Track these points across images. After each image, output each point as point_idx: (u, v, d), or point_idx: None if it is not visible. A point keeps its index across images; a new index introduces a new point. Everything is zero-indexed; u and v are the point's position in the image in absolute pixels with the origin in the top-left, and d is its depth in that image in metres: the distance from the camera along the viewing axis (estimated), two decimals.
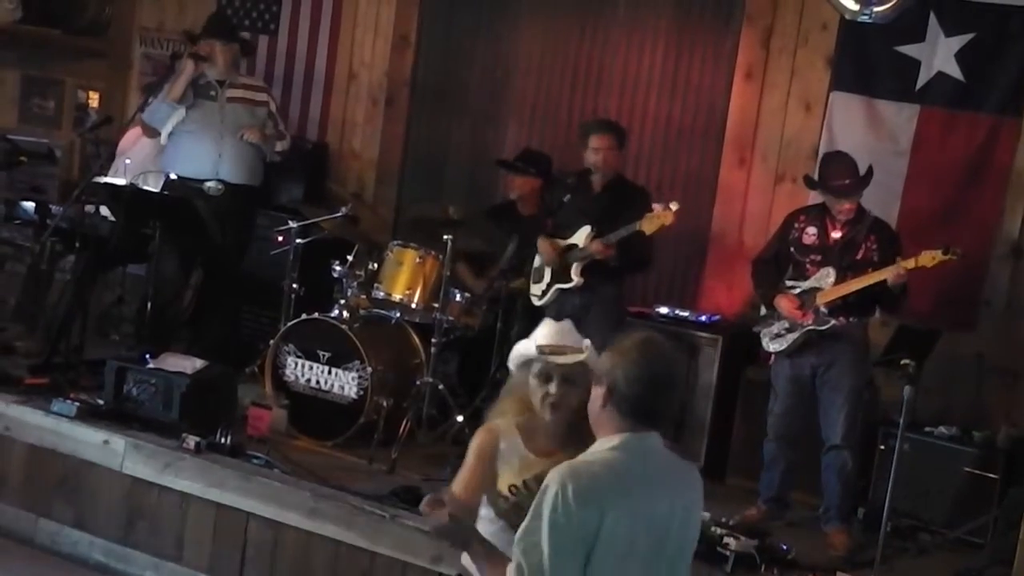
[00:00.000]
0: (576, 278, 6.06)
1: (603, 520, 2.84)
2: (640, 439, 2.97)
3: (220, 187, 6.84)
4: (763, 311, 5.83)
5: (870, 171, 5.65)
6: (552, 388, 3.34)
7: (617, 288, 6.22)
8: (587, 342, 3.39)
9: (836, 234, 5.61)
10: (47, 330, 6.82)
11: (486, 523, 3.36)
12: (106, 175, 6.71)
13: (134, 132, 7.30)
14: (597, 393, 3.02)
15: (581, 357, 3.31)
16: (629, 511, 2.89)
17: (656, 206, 5.77)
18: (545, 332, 3.45)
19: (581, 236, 6.10)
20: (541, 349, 3.37)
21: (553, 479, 2.86)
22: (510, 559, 2.90)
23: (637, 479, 2.94)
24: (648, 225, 5.77)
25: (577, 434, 3.23)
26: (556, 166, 7.06)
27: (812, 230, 5.67)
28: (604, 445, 2.98)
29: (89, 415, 5.87)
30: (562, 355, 3.34)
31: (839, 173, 5.61)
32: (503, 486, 3.38)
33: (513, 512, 3.27)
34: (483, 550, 3.09)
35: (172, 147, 7.07)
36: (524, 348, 3.44)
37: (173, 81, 6.96)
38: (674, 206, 5.71)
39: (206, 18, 7.54)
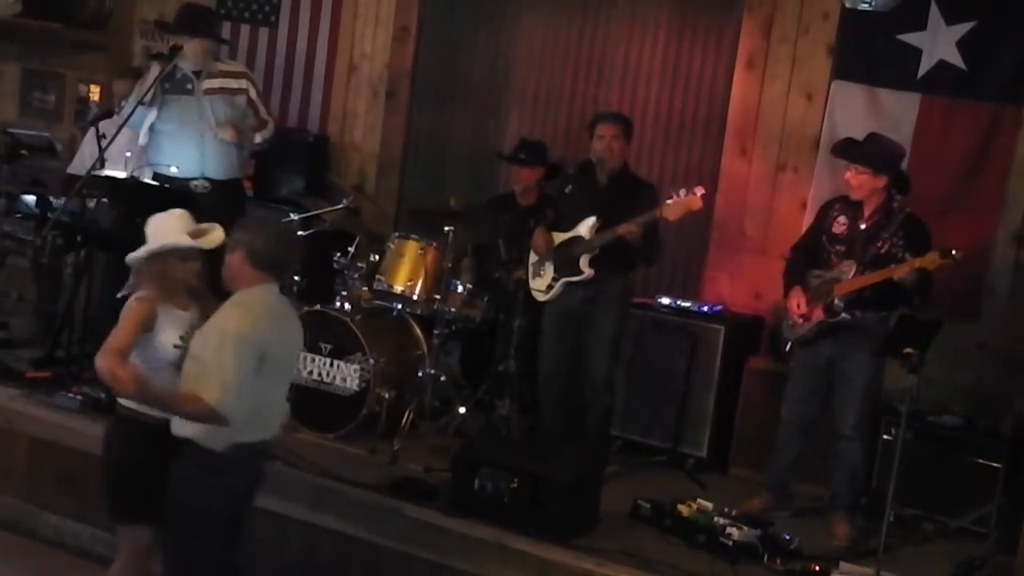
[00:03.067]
0: (586, 270, 5.95)
1: (267, 343, 4.05)
2: (272, 287, 4.20)
3: (207, 185, 6.70)
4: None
5: (878, 145, 5.61)
6: (196, 265, 4.30)
7: (624, 281, 6.12)
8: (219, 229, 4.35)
9: (863, 224, 5.58)
10: (51, 324, 6.82)
11: (153, 365, 4.19)
12: (93, 166, 6.56)
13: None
14: (236, 256, 4.13)
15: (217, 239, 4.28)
16: (279, 337, 4.18)
17: (680, 191, 5.69)
18: (172, 225, 4.30)
19: (585, 227, 5.98)
20: (192, 234, 4.28)
21: (231, 320, 4.04)
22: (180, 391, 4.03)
23: (280, 314, 4.23)
24: (672, 211, 5.68)
25: (198, 289, 4.35)
26: (556, 157, 7.05)
27: (843, 219, 5.64)
28: (250, 294, 4.14)
29: (91, 408, 5.89)
30: (204, 236, 4.32)
31: (859, 144, 5.60)
32: (171, 340, 4.25)
33: (183, 357, 4.17)
34: (166, 389, 4.06)
35: (154, 147, 6.81)
36: (165, 241, 4.25)
37: (142, 84, 6.74)
38: (699, 191, 5.65)
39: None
